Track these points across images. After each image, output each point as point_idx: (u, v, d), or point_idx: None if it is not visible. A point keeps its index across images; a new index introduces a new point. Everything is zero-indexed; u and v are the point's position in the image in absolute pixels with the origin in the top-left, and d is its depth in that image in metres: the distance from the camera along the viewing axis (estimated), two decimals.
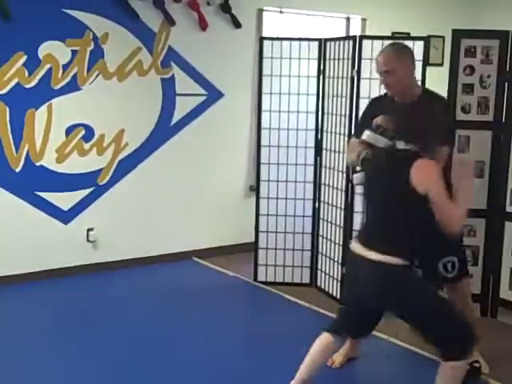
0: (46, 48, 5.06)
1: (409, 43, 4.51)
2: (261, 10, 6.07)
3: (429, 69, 4.59)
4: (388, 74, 3.53)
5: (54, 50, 5.09)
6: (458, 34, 4.51)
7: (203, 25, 5.74)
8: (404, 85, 3.56)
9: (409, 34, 6.26)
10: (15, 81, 4.97)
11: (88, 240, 5.46)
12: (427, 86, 4.51)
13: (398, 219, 2.96)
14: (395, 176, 2.94)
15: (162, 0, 5.50)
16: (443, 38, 6.86)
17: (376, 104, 3.82)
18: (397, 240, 2.95)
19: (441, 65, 6.75)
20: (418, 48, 4.52)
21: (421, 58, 4.53)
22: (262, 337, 4.27)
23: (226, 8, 5.85)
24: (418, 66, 4.52)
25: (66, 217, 5.35)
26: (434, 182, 2.86)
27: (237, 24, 5.91)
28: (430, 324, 2.97)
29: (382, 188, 3.04)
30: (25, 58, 4.98)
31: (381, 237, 2.99)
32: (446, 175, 3.14)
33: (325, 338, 3.26)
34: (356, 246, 3.05)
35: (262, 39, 5.23)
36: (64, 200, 5.31)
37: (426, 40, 4.65)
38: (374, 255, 2.93)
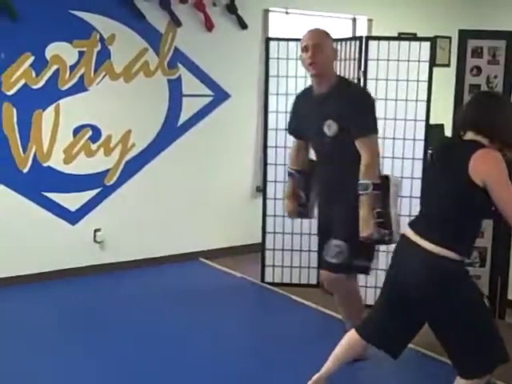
0: (53, 49, 5.07)
1: (415, 44, 4.57)
2: (267, 11, 6.08)
3: (435, 69, 4.59)
4: (316, 48, 3.43)
5: (61, 51, 5.11)
6: (464, 35, 4.51)
7: (209, 25, 5.75)
8: (328, 65, 3.50)
9: (415, 34, 6.25)
10: (22, 82, 4.99)
11: (95, 241, 5.47)
12: (434, 86, 4.53)
13: (455, 212, 2.84)
14: (455, 166, 2.83)
15: (168, 1, 5.51)
16: (450, 38, 6.85)
17: (300, 99, 3.77)
18: (452, 233, 2.82)
19: (447, 65, 6.75)
20: (424, 49, 4.54)
21: (427, 58, 4.53)
22: (269, 337, 4.27)
23: (231, 9, 5.86)
24: (425, 66, 4.54)
25: (73, 217, 5.36)
26: (492, 171, 2.73)
27: (243, 25, 5.92)
28: (463, 333, 2.85)
29: (441, 178, 2.92)
30: (32, 58, 5.00)
31: (436, 228, 2.85)
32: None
33: (351, 335, 3.22)
34: (410, 233, 2.94)
35: (268, 40, 5.23)
36: (71, 201, 5.33)
37: (433, 40, 4.65)
38: (427, 245, 2.83)
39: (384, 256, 4.38)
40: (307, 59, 3.45)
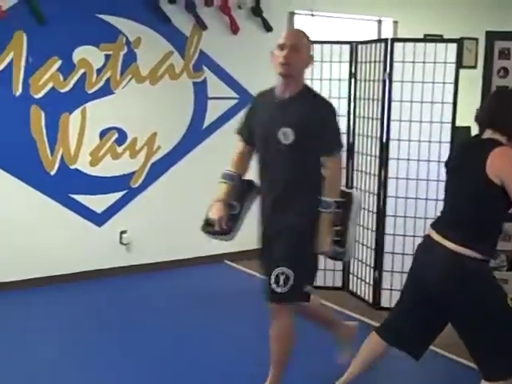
0: (80, 53, 5.13)
1: (441, 45, 4.54)
2: (292, 14, 6.08)
3: (462, 71, 4.56)
4: (293, 49, 3.15)
5: (88, 55, 5.16)
6: (491, 36, 4.47)
7: (234, 28, 5.77)
8: (300, 69, 3.23)
9: (441, 36, 6.21)
10: (50, 85, 5.05)
11: (121, 242, 5.51)
12: (460, 88, 4.50)
13: (473, 212, 2.84)
14: (472, 165, 2.82)
15: (193, 4, 5.54)
16: (477, 39, 6.80)
17: (259, 102, 3.44)
18: (471, 232, 2.82)
19: (474, 67, 6.70)
20: (451, 50, 4.51)
21: (454, 60, 4.51)
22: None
23: (257, 11, 5.87)
24: (451, 68, 4.51)
25: (99, 219, 5.41)
26: (506, 166, 2.72)
27: (268, 27, 5.92)
28: (485, 334, 2.83)
29: (459, 177, 2.92)
30: (59, 62, 5.06)
31: (456, 227, 2.86)
32: None
33: (373, 337, 3.22)
34: (432, 232, 2.95)
35: None
36: (97, 203, 5.38)
37: (459, 42, 4.61)
38: (448, 243, 2.83)
39: (409, 259, 4.35)
40: (280, 58, 3.18)
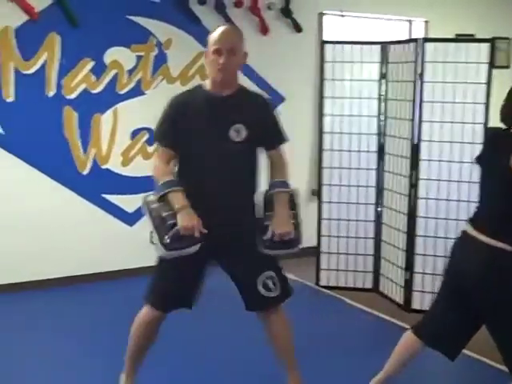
0: (112, 54, 5.18)
1: (473, 45, 4.50)
2: (322, 14, 6.07)
3: (494, 71, 4.51)
4: (230, 53, 3.03)
5: (120, 56, 5.21)
6: None
7: (264, 29, 5.78)
8: (236, 70, 3.14)
9: (473, 35, 6.15)
10: (83, 86, 5.11)
11: (152, 242, 5.53)
12: (493, 88, 4.45)
13: (506, 206, 2.83)
14: (498, 160, 2.81)
15: (223, 5, 5.57)
16: (509, 39, 6.72)
17: (189, 104, 3.20)
18: (503, 227, 2.81)
19: (507, 67, 6.64)
20: (483, 50, 4.47)
21: (486, 60, 4.46)
22: (323, 340, 4.27)
23: (286, 12, 5.87)
24: (484, 68, 4.47)
25: (130, 219, 5.45)
26: None
27: (298, 28, 5.92)
28: None
29: (488, 173, 2.93)
30: (92, 63, 5.12)
31: (488, 221, 2.86)
32: None
33: (408, 336, 3.20)
34: (468, 228, 2.95)
35: (323, 43, 5.23)
36: (129, 202, 5.42)
37: (492, 42, 4.56)
38: (482, 237, 2.83)
39: (441, 261, 4.33)
40: (218, 64, 3.03)
